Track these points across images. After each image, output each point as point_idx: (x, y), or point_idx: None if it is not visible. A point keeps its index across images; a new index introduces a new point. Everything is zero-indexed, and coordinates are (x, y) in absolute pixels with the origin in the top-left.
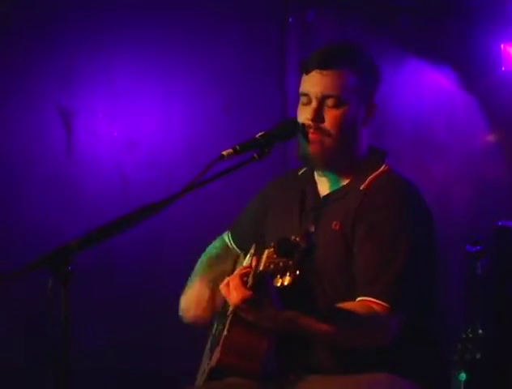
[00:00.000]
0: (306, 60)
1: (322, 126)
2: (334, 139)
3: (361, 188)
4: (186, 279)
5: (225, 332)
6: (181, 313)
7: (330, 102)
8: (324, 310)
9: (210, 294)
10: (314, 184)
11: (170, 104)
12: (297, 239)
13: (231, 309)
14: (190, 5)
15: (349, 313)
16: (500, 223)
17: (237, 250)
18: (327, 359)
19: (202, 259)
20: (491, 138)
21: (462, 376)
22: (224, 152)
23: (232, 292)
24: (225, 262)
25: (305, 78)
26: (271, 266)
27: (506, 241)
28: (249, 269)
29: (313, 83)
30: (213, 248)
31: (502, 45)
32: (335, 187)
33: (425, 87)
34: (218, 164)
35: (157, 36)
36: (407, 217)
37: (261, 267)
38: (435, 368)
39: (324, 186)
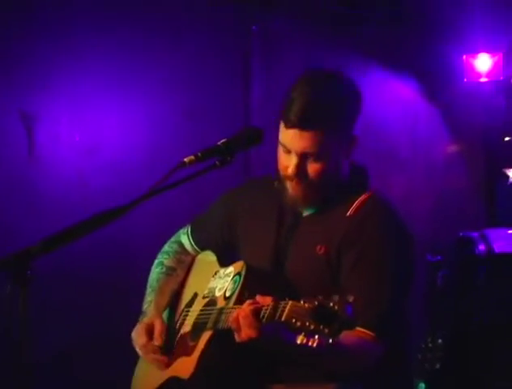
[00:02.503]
0: (286, 113)
1: (304, 178)
2: (317, 188)
3: (348, 214)
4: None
5: (201, 347)
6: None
7: (310, 157)
8: None
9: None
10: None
11: (132, 109)
12: (337, 308)
13: (210, 324)
14: (152, 10)
15: (341, 345)
16: (461, 233)
17: (198, 250)
18: (295, 371)
19: (156, 272)
20: (453, 149)
21: (422, 386)
22: (185, 159)
23: (245, 328)
24: (179, 274)
25: (284, 130)
26: (298, 323)
27: (467, 251)
28: (257, 305)
29: (292, 141)
30: (165, 255)
31: (464, 57)
32: (317, 209)
33: (388, 97)
34: (179, 171)
35: (120, 41)
36: (395, 248)
37: (282, 318)
38: (401, 379)
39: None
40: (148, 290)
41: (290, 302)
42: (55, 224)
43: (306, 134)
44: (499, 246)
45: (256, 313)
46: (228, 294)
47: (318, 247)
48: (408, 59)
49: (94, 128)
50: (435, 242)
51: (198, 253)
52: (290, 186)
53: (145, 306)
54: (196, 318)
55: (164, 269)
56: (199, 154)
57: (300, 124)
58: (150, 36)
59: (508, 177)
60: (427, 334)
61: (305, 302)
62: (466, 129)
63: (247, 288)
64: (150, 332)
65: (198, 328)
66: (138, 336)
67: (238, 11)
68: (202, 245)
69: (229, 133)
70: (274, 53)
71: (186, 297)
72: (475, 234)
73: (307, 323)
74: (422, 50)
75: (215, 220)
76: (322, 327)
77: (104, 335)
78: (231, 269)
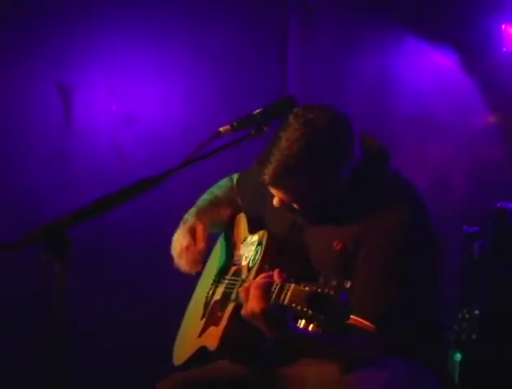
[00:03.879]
0: (260, 164)
1: (294, 208)
2: (308, 209)
3: (365, 208)
4: None
5: (225, 321)
6: (174, 257)
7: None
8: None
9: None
10: None
11: (169, 80)
12: (332, 294)
13: (234, 296)
14: None
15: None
16: (499, 204)
17: (239, 199)
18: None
19: (205, 198)
20: (491, 119)
21: (458, 356)
22: (220, 129)
23: (252, 300)
24: (225, 207)
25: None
26: (298, 307)
27: (505, 222)
28: (270, 280)
29: (270, 188)
30: (218, 188)
31: (503, 26)
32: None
33: (426, 68)
34: (215, 141)
35: (158, 13)
36: (412, 243)
37: (285, 302)
38: (434, 350)
39: None
40: (195, 204)
41: (293, 285)
42: (93, 195)
43: (280, 190)
44: None
45: (267, 287)
46: (250, 264)
47: (335, 243)
48: (446, 29)
49: (131, 99)
50: (472, 213)
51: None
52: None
53: (186, 216)
54: (225, 287)
55: (212, 197)
56: (235, 123)
57: (271, 184)
58: (188, 9)
59: None
60: (463, 305)
61: (305, 286)
62: (503, 99)
63: (268, 260)
64: (193, 235)
65: (226, 297)
66: (180, 237)
67: None
68: (242, 196)
69: (266, 104)
70: (311, 27)
71: (221, 260)
72: None
73: (305, 308)
74: (459, 19)
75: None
76: (318, 313)
77: (141, 304)
78: (256, 237)
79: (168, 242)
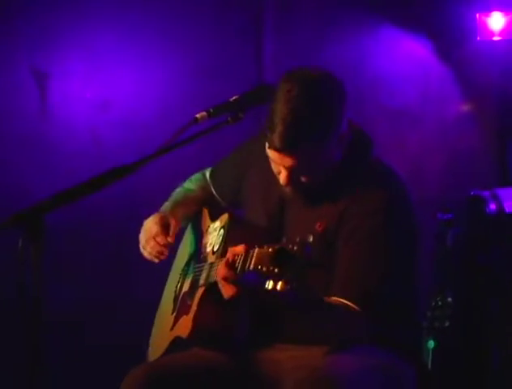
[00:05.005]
0: (268, 134)
1: (298, 182)
2: (313, 186)
3: (348, 189)
4: None
5: (195, 306)
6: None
7: (300, 171)
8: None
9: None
10: None
11: (144, 66)
12: (295, 249)
13: (202, 281)
14: None
15: (328, 304)
16: (472, 192)
17: (214, 191)
18: (302, 332)
19: (179, 192)
20: (465, 108)
21: (431, 343)
22: (197, 115)
23: (224, 284)
24: (196, 202)
25: (267, 146)
26: (263, 268)
27: (478, 210)
28: (234, 253)
29: (277, 159)
30: (191, 183)
31: (478, 15)
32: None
33: (400, 56)
34: (191, 128)
35: None
36: (393, 221)
37: (251, 267)
38: (411, 337)
39: None
40: (169, 199)
41: (256, 249)
42: (68, 181)
43: (290, 158)
44: (510, 206)
45: (229, 265)
46: (215, 249)
47: (318, 224)
48: (420, 17)
49: (106, 84)
50: (446, 200)
51: (215, 193)
52: (284, 188)
53: (161, 211)
54: (193, 276)
55: (186, 192)
56: (211, 110)
57: (283, 150)
58: None
59: None
60: (437, 292)
61: (268, 247)
62: (478, 88)
63: (231, 241)
64: (164, 226)
65: (194, 286)
66: (151, 225)
67: None
68: (220, 189)
69: (242, 91)
70: (287, 10)
71: (185, 256)
72: (487, 193)
73: (271, 267)
74: (434, 8)
75: (235, 169)
76: (281, 269)
77: (117, 292)
78: (218, 223)
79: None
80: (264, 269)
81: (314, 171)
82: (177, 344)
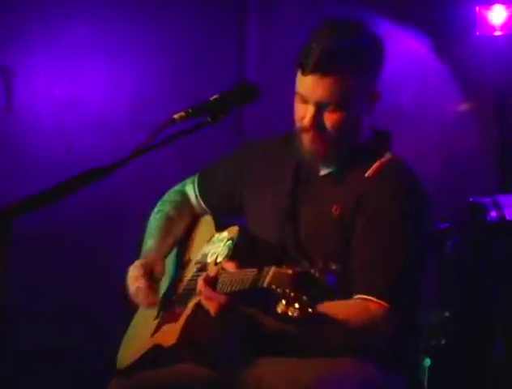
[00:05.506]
0: (304, 58)
1: (322, 130)
2: (335, 141)
3: (366, 175)
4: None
5: (185, 316)
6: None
7: (329, 107)
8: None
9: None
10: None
11: (117, 61)
12: (317, 275)
13: (195, 300)
14: None
15: (342, 322)
16: (471, 199)
17: (202, 204)
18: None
19: (158, 223)
20: (464, 107)
21: (427, 362)
22: (175, 116)
23: (205, 301)
24: (181, 224)
25: (300, 78)
26: (278, 289)
27: (479, 217)
28: (209, 274)
29: (309, 89)
30: (169, 203)
31: (477, 8)
32: (334, 169)
33: (396, 52)
34: (169, 129)
35: None
36: (413, 212)
37: (264, 284)
38: (407, 355)
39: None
40: (146, 236)
41: (273, 268)
42: (37, 180)
43: (326, 81)
44: (510, 213)
45: (207, 281)
46: (218, 259)
47: (334, 207)
48: (417, 11)
49: (75, 81)
50: (444, 208)
51: (201, 207)
52: (306, 139)
53: (143, 252)
54: (186, 285)
55: (164, 216)
56: (190, 110)
57: (320, 68)
58: None
59: None
60: (434, 306)
61: (288, 268)
62: (478, 86)
63: (237, 256)
64: (149, 270)
65: (186, 295)
66: (137, 275)
67: None
68: (207, 198)
69: (223, 89)
70: (271, 5)
71: (181, 263)
72: (487, 200)
73: (287, 290)
74: (432, 1)
75: (228, 172)
76: (300, 293)
77: (89, 300)
78: (225, 234)
79: (120, 236)
80: (279, 290)
81: (343, 111)
82: (154, 353)
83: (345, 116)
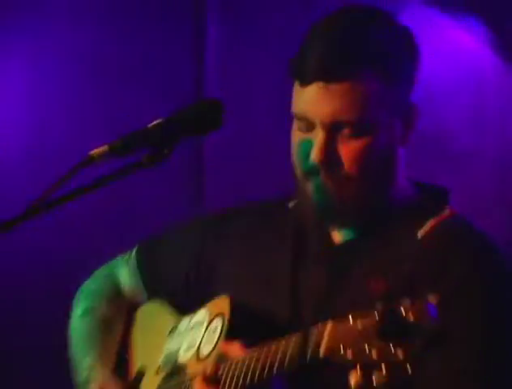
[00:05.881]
0: (301, 64)
1: (337, 167)
2: (356, 184)
3: (418, 237)
4: None
5: None
6: None
7: (345, 131)
8: None
9: None
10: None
11: (35, 64)
12: (411, 315)
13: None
14: None
15: None
16: None
17: (143, 290)
18: None
19: (90, 330)
20: None
21: None
22: (93, 152)
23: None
24: (119, 324)
25: (298, 92)
26: (348, 351)
27: None
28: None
29: (315, 103)
30: (99, 297)
31: None
32: (359, 231)
33: (440, 48)
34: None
35: None
36: (501, 297)
37: (321, 352)
38: None
39: (337, 230)
40: (78, 350)
41: (330, 324)
42: None
43: (336, 88)
44: None
45: (207, 380)
46: (206, 351)
47: (373, 282)
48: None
49: None
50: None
51: (140, 295)
52: (315, 186)
53: (85, 374)
54: None
55: (98, 318)
56: (117, 143)
57: (326, 71)
58: None
59: None
60: None
61: (354, 319)
62: None
63: (235, 335)
64: None
65: None
66: None
67: None
68: (153, 282)
69: (172, 106)
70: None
71: (126, 376)
72: None
73: (366, 350)
74: None
75: (185, 249)
76: (392, 348)
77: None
78: (203, 313)
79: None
80: (349, 353)
81: (366, 134)
82: None
83: (368, 143)
